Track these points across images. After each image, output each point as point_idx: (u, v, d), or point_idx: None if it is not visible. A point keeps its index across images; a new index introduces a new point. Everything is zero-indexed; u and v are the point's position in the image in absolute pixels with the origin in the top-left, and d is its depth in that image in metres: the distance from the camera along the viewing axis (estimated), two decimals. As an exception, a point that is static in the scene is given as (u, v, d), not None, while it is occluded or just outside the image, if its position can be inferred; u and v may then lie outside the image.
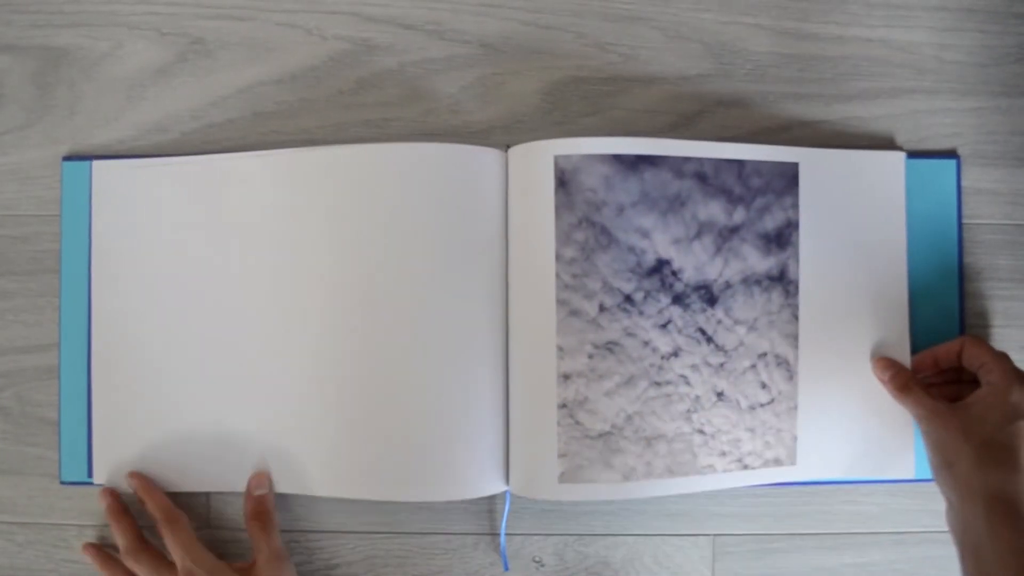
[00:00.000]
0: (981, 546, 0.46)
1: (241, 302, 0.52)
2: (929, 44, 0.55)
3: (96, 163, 0.53)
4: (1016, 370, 0.49)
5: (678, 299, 0.50)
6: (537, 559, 0.54)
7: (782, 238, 0.52)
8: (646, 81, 0.54)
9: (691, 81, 0.54)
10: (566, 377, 0.49)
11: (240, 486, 0.52)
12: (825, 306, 0.52)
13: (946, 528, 0.49)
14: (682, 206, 0.50)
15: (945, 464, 0.48)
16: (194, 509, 0.53)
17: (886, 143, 0.54)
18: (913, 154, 0.54)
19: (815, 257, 0.52)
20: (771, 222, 0.52)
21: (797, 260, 0.52)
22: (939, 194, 0.54)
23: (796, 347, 0.52)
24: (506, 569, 0.53)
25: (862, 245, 0.53)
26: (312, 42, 0.54)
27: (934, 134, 0.55)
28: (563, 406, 0.49)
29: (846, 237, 0.53)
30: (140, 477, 0.52)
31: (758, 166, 0.51)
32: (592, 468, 0.49)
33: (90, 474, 0.53)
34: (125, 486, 0.52)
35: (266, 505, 0.51)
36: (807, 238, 0.52)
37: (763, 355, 0.52)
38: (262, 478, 0.51)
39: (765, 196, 0.51)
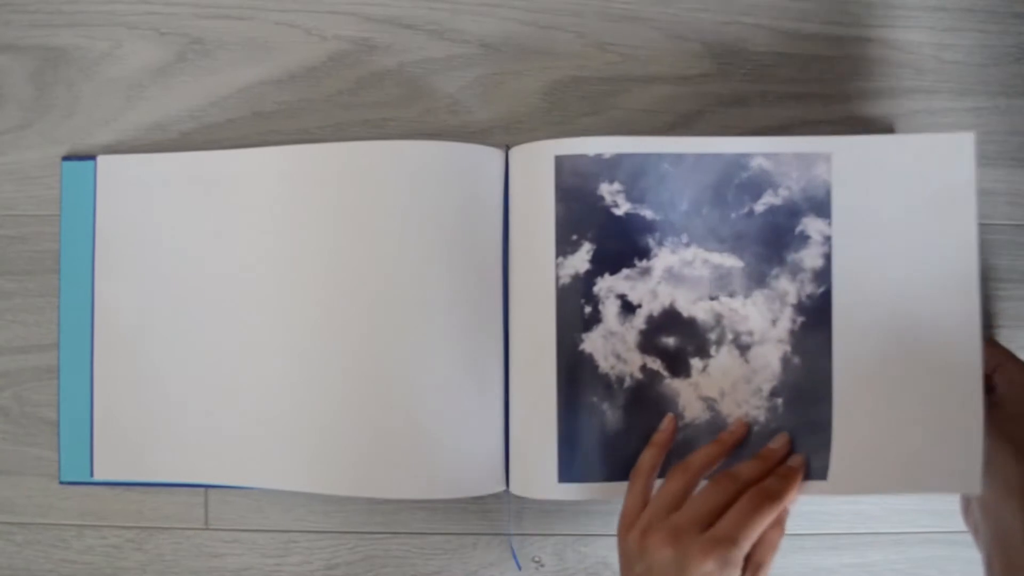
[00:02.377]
0: (1016, 546, 0.44)
1: (243, 298, 0.51)
2: (928, 44, 0.54)
3: (101, 158, 0.52)
4: None
5: None
6: (536, 559, 0.53)
7: (809, 236, 0.48)
8: (646, 81, 0.54)
9: (691, 81, 0.54)
10: None
11: (237, 479, 0.51)
12: (867, 310, 0.48)
13: (946, 528, 0.48)
14: (688, 205, 0.49)
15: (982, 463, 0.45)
16: (192, 510, 0.53)
17: (886, 143, 0.54)
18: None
19: (853, 256, 0.48)
20: (794, 219, 0.48)
21: (829, 259, 0.48)
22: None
23: (830, 354, 0.48)
24: (519, 568, 0.53)
25: (919, 241, 0.47)
26: (312, 42, 0.54)
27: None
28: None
29: (895, 233, 0.47)
30: None
31: (779, 159, 0.48)
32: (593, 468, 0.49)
33: (92, 471, 0.52)
34: (126, 478, 0.52)
35: None
36: (842, 235, 0.48)
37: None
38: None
39: (788, 191, 0.48)
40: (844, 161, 0.48)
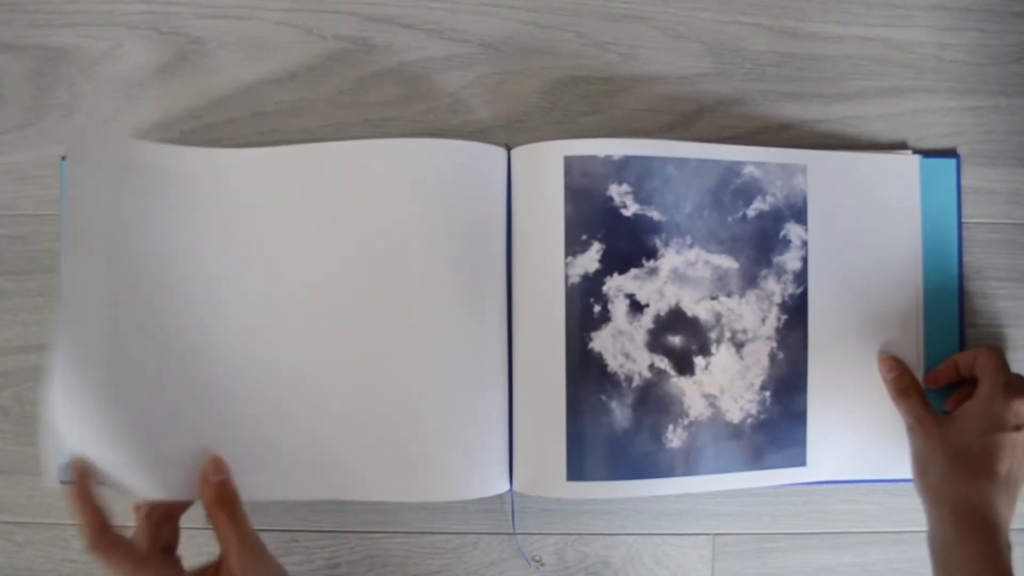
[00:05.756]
0: (948, 554, 0.44)
1: (241, 299, 0.50)
2: (928, 43, 0.53)
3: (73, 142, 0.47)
4: (1007, 383, 0.47)
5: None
6: (537, 558, 0.53)
7: (790, 240, 0.50)
8: (645, 80, 0.53)
9: (690, 80, 0.53)
10: None
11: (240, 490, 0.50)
12: (834, 307, 0.51)
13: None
14: (691, 208, 0.49)
15: (919, 472, 0.47)
16: (193, 510, 0.51)
17: (886, 142, 0.53)
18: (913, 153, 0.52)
19: (824, 259, 0.51)
20: (779, 224, 0.50)
21: (806, 262, 0.51)
22: (938, 193, 0.52)
23: (806, 348, 0.51)
24: (529, 564, 0.52)
25: (874, 247, 0.51)
26: (311, 41, 0.53)
27: (933, 133, 0.53)
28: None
29: (856, 239, 0.51)
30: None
31: (766, 168, 0.50)
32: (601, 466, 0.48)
33: None
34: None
35: (229, 490, 0.45)
36: (816, 240, 0.50)
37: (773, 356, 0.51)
38: (219, 463, 0.46)
39: (774, 198, 0.50)
40: (817, 173, 0.51)
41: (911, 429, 0.48)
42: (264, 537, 0.52)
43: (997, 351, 0.49)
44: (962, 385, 0.51)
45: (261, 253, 0.50)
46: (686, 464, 0.49)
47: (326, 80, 0.53)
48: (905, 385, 0.49)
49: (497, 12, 0.53)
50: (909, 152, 0.52)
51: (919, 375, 0.51)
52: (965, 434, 0.46)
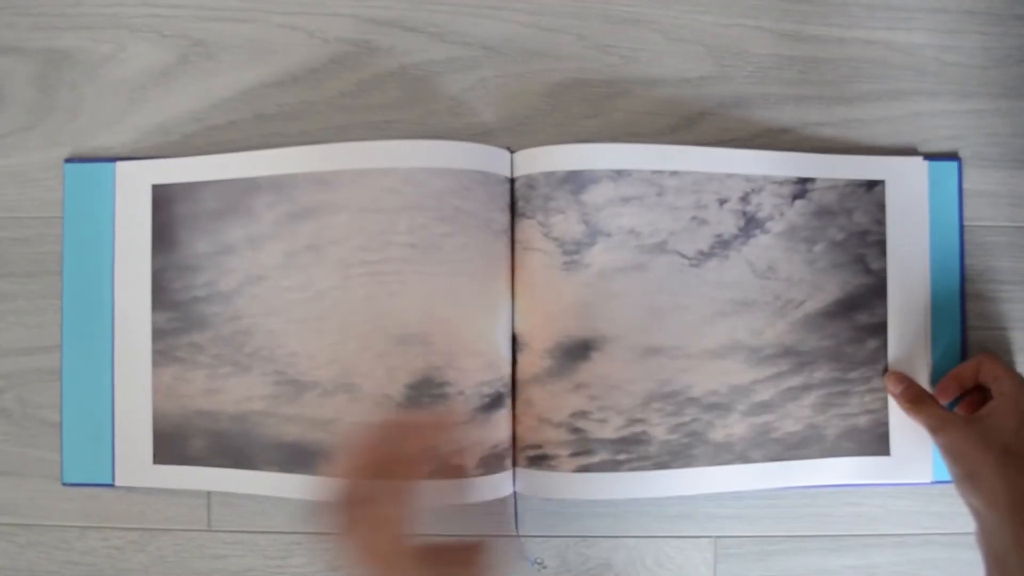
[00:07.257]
0: (1007, 554, 0.43)
1: (247, 298, 0.50)
2: (930, 46, 0.53)
3: (120, 164, 0.51)
4: None
5: None
6: (539, 560, 0.53)
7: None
8: (647, 83, 0.53)
9: (692, 83, 0.53)
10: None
11: (247, 488, 0.49)
12: None
13: (947, 530, 0.47)
14: (697, 217, 0.49)
15: (967, 475, 0.46)
16: (194, 512, 0.52)
17: (888, 145, 0.53)
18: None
19: None
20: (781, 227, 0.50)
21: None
22: (940, 196, 0.52)
23: None
24: (532, 565, 0.52)
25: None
26: (313, 44, 0.53)
27: (935, 136, 0.53)
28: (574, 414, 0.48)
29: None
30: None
31: (767, 178, 0.49)
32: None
33: (113, 476, 0.51)
34: (146, 484, 0.51)
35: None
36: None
37: None
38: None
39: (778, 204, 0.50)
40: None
41: (940, 431, 0.47)
42: (265, 539, 0.52)
43: (998, 356, 0.49)
44: (964, 395, 0.51)
45: (270, 258, 0.50)
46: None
47: (328, 82, 0.52)
48: (916, 394, 0.49)
49: (499, 15, 0.53)
50: (920, 158, 0.51)
51: (926, 378, 0.51)
52: (1004, 432, 0.45)
